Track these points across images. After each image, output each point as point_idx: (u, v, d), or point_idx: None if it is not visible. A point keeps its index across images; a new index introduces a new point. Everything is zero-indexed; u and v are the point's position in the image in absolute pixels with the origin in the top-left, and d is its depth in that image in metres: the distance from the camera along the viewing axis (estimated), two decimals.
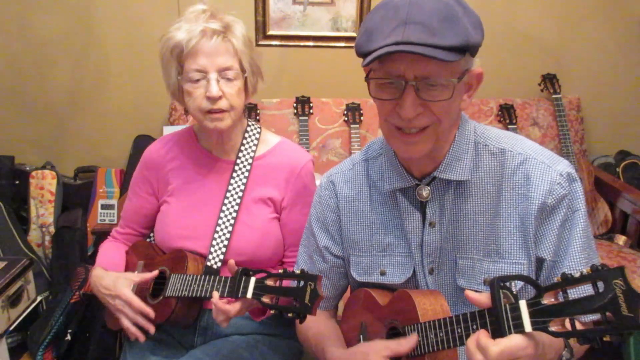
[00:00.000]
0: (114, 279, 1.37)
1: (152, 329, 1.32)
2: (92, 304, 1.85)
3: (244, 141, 1.45)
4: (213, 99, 1.29)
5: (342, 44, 2.65)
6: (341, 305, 1.34)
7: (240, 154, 1.44)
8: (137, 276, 1.37)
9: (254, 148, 1.45)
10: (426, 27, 0.88)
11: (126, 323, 1.33)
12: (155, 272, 1.38)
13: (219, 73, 1.30)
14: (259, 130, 1.49)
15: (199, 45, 1.28)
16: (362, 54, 0.95)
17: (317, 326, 1.23)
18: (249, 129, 1.47)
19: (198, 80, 1.30)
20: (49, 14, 2.52)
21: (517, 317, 0.80)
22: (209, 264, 1.37)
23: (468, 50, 0.92)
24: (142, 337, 1.32)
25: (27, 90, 2.62)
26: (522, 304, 0.80)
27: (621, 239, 2.34)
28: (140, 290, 1.38)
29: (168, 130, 2.45)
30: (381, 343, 1.04)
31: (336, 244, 1.21)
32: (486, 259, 1.06)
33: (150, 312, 1.32)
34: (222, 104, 1.31)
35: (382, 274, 1.15)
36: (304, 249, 1.28)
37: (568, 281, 0.75)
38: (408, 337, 1.00)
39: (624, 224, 2.40)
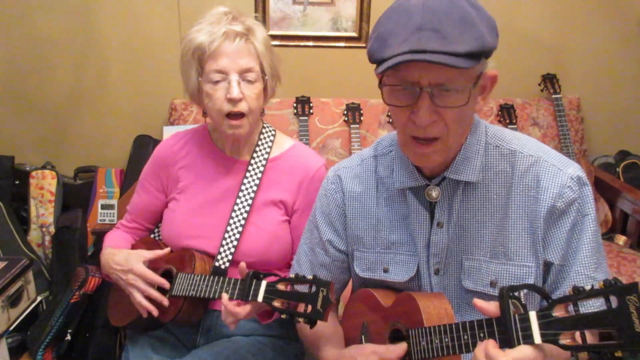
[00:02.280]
0: (126, 255, 1.38)
1: (165, 301, 1.32)
2: (92, 304, 1.85)
3: (259, 142, 1.45)
4: (233, 101, 1.29)
5: (342, 44, 2.65)
6: (341, 305, 1.34)
7: (255, 155, 1.43)
8: (149, 253, 1.38)
9: (268, 150, 1.45)
10: (441, 33, 0.86)
11: (139, 297, 1.33)
12: (168, 250, 1.39)
13: (240, 75, 1.30)
14: (273, 132, 1.49)
15: (221, 47, 1.28)
16: (376, 61, 0.93)
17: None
18: (264, 130, 1.47)
19: (218, 82, 1.30)
20: (49, 14, 2.52)
21: (527, 328, 0.79)
22: (217, 264, 1.37)
23: (483, 55, 0.90)
24: (155, 311, 1.32)
25: (27, 90, 2.62)
26: (532, 315, 0.79)
27: (621, 239, 2.34)
28: None
29: (168, 130, 2.45)
30: (370, 347, 1.05)
31: (340, 238, 1.21)
32: (493, 260, 1.06)
33: (165, 283, 1.32)
34: (242, 106, 1.30)
35: (385, 271, 1.15)
36: (305, 242, 1.28)
37: (579, 294, 0.74)
38: (397, 345, 1.01)
39: (624, 224, 2.40)
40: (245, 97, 1.30)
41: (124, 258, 1.37)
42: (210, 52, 1.29)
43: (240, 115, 1.32)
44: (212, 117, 1.36)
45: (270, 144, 1.46)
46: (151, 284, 1.33)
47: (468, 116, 0.99)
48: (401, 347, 1.00)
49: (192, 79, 1.35)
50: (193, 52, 1.31)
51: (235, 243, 1.37)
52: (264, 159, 1.43)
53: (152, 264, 1.44)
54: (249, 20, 1.34)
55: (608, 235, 2.40)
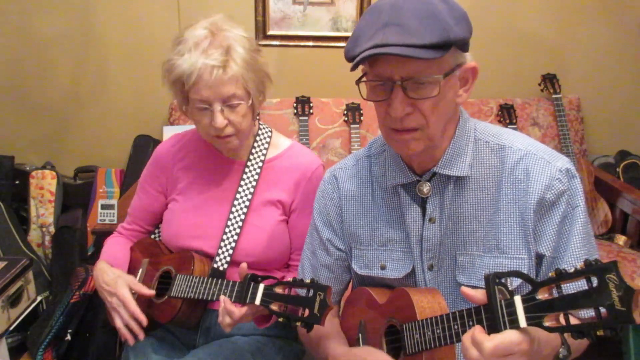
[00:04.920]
0: (115, 277, 1.38)
1: (141, 335, 1.32)
2: (92, 304, 1.85)
3: (255, 144, 1.46)
4: (218, 129, 1.30)
5: (342, 44, 2.63)
6: (342, 305, 1.34)
7: (251, 156, 1.44)
8: (137, 284, 1.37)
9: (264, 151, 1.45)
10: (404, 27, 0.90)
11: (118, 323, 1.34)
12: (153, 292, 1.37)
13: (223, 103, 1.28)
14: (270, 133, 1.49)
15: (200, 80, 1.26)
16: (349, 59, 0.98)
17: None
18: (260, 132, 1.48)
19: (203, 109, 1.29)
20: (49, 14, 2.52)
21: (512, 313, 0.81)
22: (215, 265, 1.37)
23: (452, 45, 0.92)
24: (131, 340, 1.33)
25: (28, 90, 2.62)
26: (517, 300, 0.81)
27: (621, 239, 2.34)
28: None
29: (168, 130, 2.45)
30: (382, 355, 1.05)
31: (338, 237, 1.23)
32: (486, 254, 1.07)
33: (144, 320, 1.32)
34: (228, 130, 1.31)
35: (382, 268, 1.16)
36: (307, 246, 1.29)
37: (562, 276, 0.76)
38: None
39: (624, 224, 2.40)
40: (231, 122, 1.30)
41: (113, 279, 1.37)
42: (189, 85, 1.27)
43: (228, 136, 1.33)
44: (202, 136, 1.39)
45: (266, 145, 1.46)
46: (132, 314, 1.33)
47: (446, 107, 1.00)
48: None
49: (178, 100, 1.37)
50: (174, 82, 1.31)
51: (233, 244, 1.38)
52: (261, 160, 1.44)
53: (151, 266, 1.45)
54: (228, 38, 1.28)
55: (608, 235, 2.40)
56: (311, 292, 1.01)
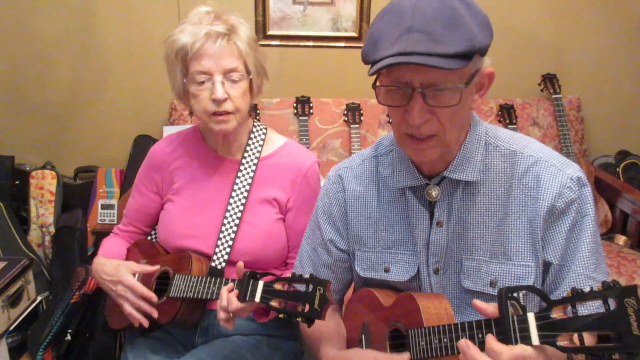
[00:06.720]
0: (116, 265, 1.38)
1: (155, 313, 1.32)
2: (92, 304, 1.85)
3: (250, 141, 1.45)
4: (218, 102, 1.30)
5: (342, 44, 2.65)
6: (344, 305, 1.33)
7: (246, 154, 1.44)
8: (138, 266, 1.38)
9: (259, 148, 1.45)
10: (430, 34, 0.87)
11: (129, 309, 1.34)
12: (157, 267, 1.38)
13: (223, 75, 1.30)
14: (264, 131, 1.49)
15: (204, 48, 1.28)
16: (368, 62, 0.95)
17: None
18: (254, 129, 1.48)
19: (203, 83, 1.30)
20: (49, 14, 2.52)
21: (525, 330, 0.79)
22: (213, 264, 1.37)
23: (477, 53, 0.91)
24: (145, 322, 1.33)
25: (27, 90, 2.62)
26: (531, 317, 0.79)
27: (621, 239, 2.34)
28: None
29: (168, 130, 2.44)
30: (372, 353, 1.06)
31: (342, 237, 1.22)
32: (493, 260, 1.06)
33: (153, 296, 1.32)
34: (227, 106, 1.31)
35: (386, 270, 1.15)
36: (307, 242, 1.28)
37: (578, 296, 0.75)
38: (400, 354, 1.01)
39: (624, 224, 2.41)
40: (231, 97, 1.31)
41: (114, 269, 1.37)
42: (193, 54, 1.29)
43: (226, 113, 1.32)
44: (198, 117, 1.37)
45: (261, 142, 1.46)
46: (140, 295, 1.33)
47: (463, 113, 0.99)
48: (404, 357, 1.00)
49: (177, 79, 1.36)
50: (176, 53, 1.31)
51: (230, 243, 1.38)
52: (256, 157, 1.44)
53: (149, 264, 1.45)
54: (232, 19, 1.33)
55: (608, 235, 2.40)
56: (310, 287, 1.01)
